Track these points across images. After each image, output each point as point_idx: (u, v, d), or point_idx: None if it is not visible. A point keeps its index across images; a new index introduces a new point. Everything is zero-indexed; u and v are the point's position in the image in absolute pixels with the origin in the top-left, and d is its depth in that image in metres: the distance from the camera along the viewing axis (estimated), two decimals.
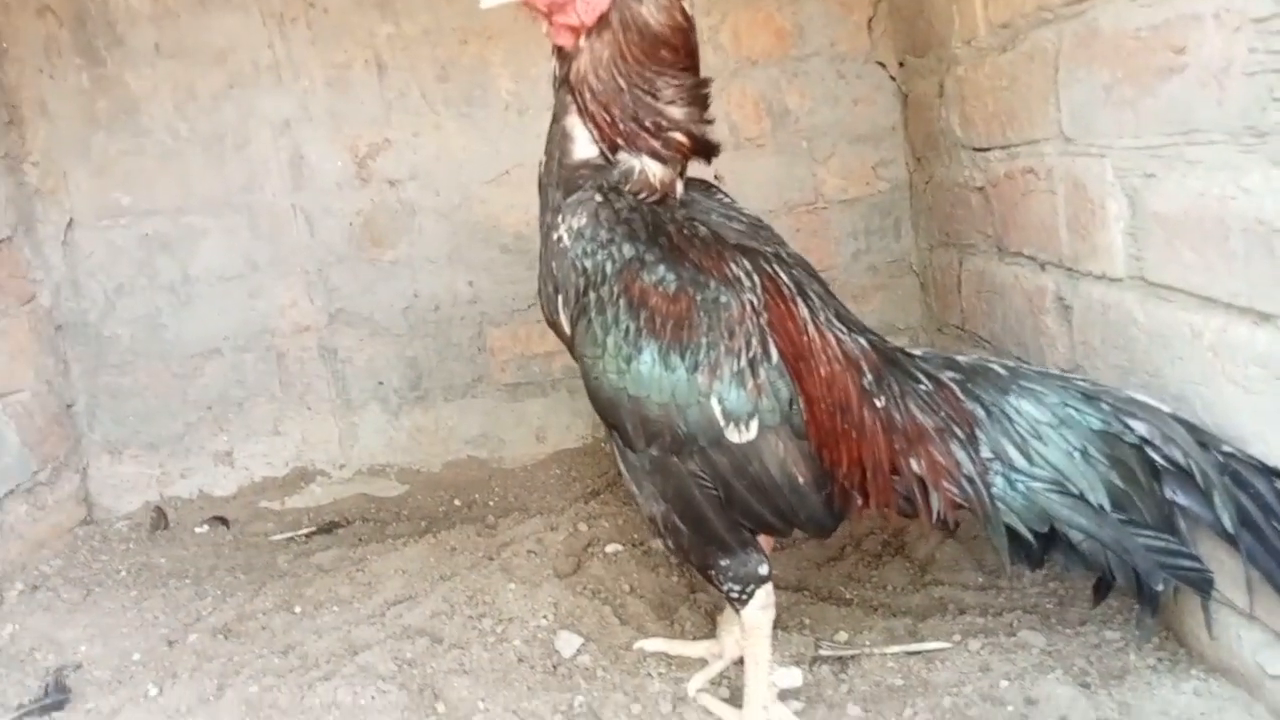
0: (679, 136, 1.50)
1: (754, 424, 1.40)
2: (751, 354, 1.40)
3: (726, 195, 1.70)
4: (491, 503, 2.83)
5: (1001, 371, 1.44)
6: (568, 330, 1.50)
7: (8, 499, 2.63)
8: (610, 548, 2.19)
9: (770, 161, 2.93)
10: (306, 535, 2.75)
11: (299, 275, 2.98)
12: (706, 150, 1.56)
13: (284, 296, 2.99)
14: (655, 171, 1.50)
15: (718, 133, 1.58)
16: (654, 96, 1.47)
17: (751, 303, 1.42)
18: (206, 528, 2.87)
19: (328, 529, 2.77)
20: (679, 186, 1.55)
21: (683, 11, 1.49)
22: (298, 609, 2.12)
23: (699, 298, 1.40)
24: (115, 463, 3.04)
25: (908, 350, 1.50)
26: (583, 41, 1.47)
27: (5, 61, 2.85)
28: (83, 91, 2.88)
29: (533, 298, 2.97)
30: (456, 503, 2.88)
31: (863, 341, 1.47)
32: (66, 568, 2.59)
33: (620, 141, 1.48)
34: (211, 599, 2.25)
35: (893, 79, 2.89)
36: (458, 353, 3.04)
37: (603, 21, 1.45)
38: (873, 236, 2.98)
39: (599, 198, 1.45)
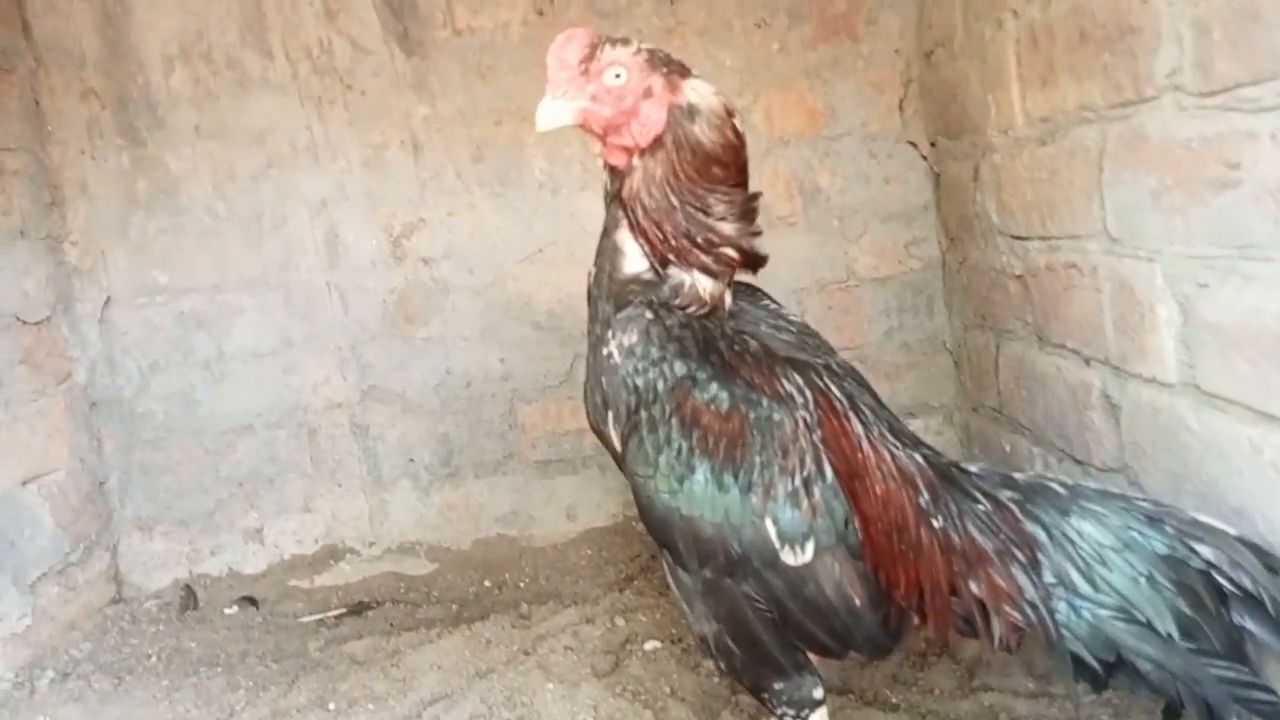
0: (729, 252, 1.50)
1: (809, 545, 1.38)
2: (806, 473, 1.38)
3: (772, 300, 1.70)
4: (523, 584, 2.80)
5: (1061, 491, 1.41)
6: (617, 446, 1.49)
7: (40, 581, 2.62)
8: (649, 645, 2.16)
9: (802, 240, 2.93)
10: (336, 617, 2.72)
11: (332, 352, 2.99)
12: (755, 263, 1.55)
13: (317, 373, 3.00)
14: (705, 286, 1.50)
15: None
16: (705, 213, 1.48)
17: (804, 420, 1.41)
18: (236, 608, 2.85)
19: (357, 610, 2.75)
20: (728, 298, 1.54)
21: (734, 129, 1.49)
22: (332, 705, 2.09)
23: (752, 416, 1.39)
24: (146, 540, 3.03)
25: (963, 466, 1.48)
26: (635, 160, 1.48)
27: (49, 144, 2.90)
28: (123, 172, 2.92)
29: (564, 374, 2.98)
30: (487, 583, 2.85)
31: (918, 457, 1.45)
32: (96, 651, 2.58)
33: (671, 257, 1.48)
34: (244, 691, 2.22)
35: (924, 158, 2.90)
36: (489, 429, 3.03)
37: (656, 141, 1.46)
38: (905, 314, 2.96)
39: (650, 314, 1.45)
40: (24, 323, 2.70)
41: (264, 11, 2.88)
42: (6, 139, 2.73)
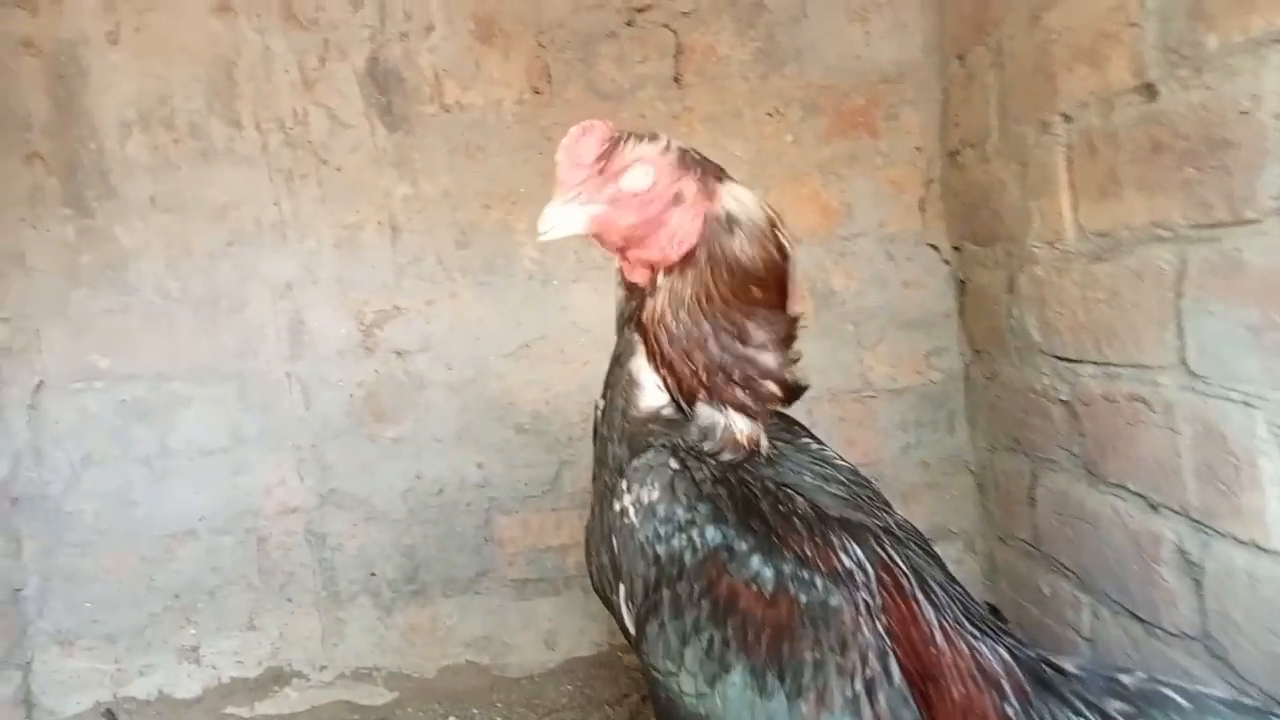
0: (770, 386, 1.25)
1: None
2: (869, 674, 1.11)
3: (812, 437, 1.44)
4: None
5: (1183, 703, 1.14)
6: (630, 627, 1.21)
7: None
8: None
9: (814, 345, 2.63)
10: None
11: (289, 451, 2.69)
12: (794, 395, 1.30)
13: (271, 474, 2.69)
14: (742, 428, 1.24)
15: None
16: (743, 341, 1.23)
17: (866, 604, 1.13)
18: None
19: None
20: (764, 440, 1.28)
21: (779, 244, 1.26)
22: None
23: (803, 600, 1.12)
24: (65, 656, 2.66)
25: (1056, 662, 1.20)
26: (661, 279, 1.24)
27: None
28: (67, 245, 2.64)
29: (548, 483, 2.70)
30: (451, 719, 2.52)
31: (1003, 652, 1.18)
32: None
33: (701, 394, 1.23)
34: None
35: (946, 263, 2.69)
36: (461, 542, 2.72)
37: (688, 257, 1.22)
38: (924, 430, 2.72)
39: (675, 464, 1.18)
40: None
41: (235, 79, 2.64)
42: None
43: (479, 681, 2.67)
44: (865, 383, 2.72)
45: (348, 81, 2.68)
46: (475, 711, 2.54)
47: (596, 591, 1.32)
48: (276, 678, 2.70)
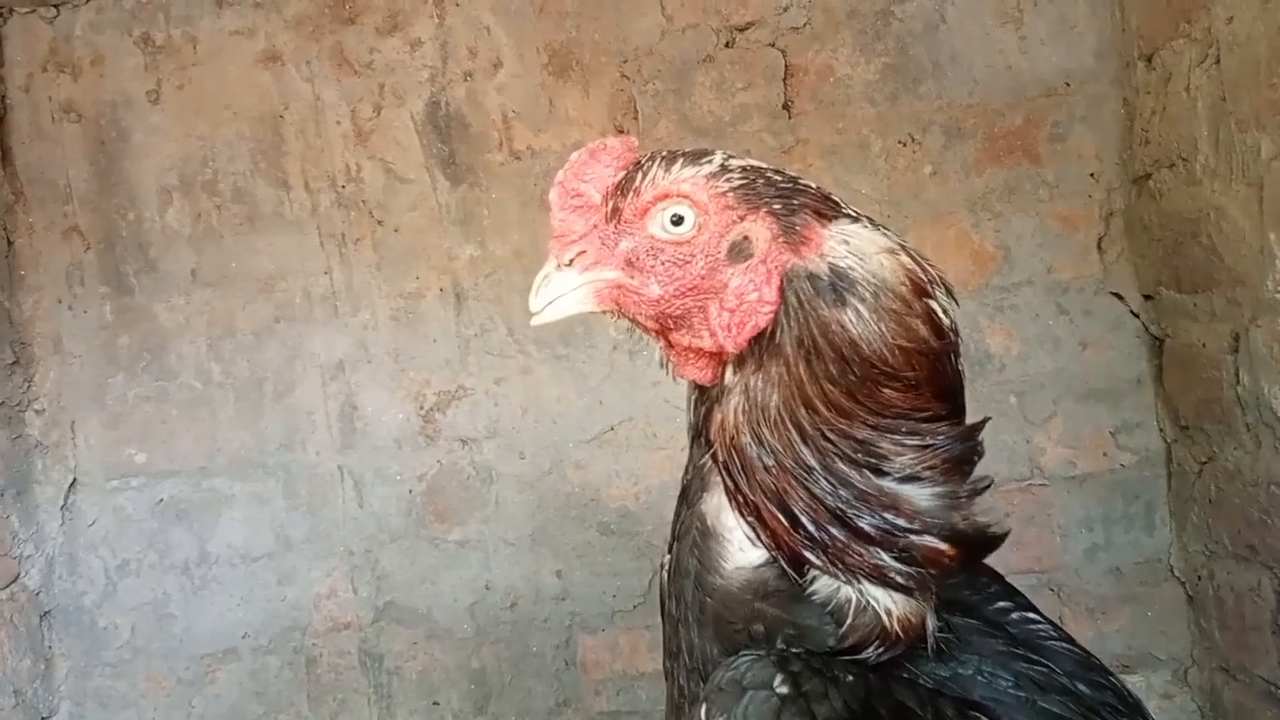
0: (931, 541, 0.76)
1: None
2: None
3: (1010, 596, 0.93)
4: None
5: None
6: None
7: None
8: None
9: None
10: None
11: (341, 557, 2.32)
12: (980, 550, 0.81)
13: (321, 584, 2.32)
14: (888, 606, 0.76)
15: None
16: (875, 470, 0.75)
17: None
18: None
19: None
20: (931, 621, 0.79)
21: (930, 318, 0.78)
22: None
23: None
24: None
25: None
26: (730, 374, 0.78)
27: (19, 291, 2.37)
28: (105, 326, 2.37)
29: (640, 595, 2.24)
30: None
31: None
32: None
33: (811, 557, 0.75)
34: None
35: (1135, 316, 2.13)
36: (538, 666, 2.28)
37: (764, 341, 0.76)
38: (1114, 527, 2.14)
39: (783, 684, 0.71)
40: None
41: (282, 134, 2.35)
42: None
43: None
44: (1034, 468, 2.16)
45: (405, 130, 2.35)
46: None
47: None
48: None
